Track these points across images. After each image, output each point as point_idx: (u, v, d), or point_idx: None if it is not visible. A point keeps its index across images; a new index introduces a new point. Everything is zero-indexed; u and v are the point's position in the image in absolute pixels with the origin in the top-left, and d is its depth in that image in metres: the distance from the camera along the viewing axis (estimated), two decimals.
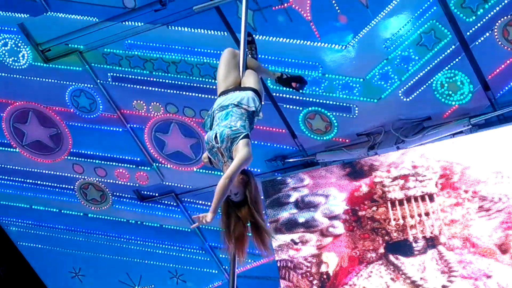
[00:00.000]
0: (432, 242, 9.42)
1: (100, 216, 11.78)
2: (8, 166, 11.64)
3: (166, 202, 11.37)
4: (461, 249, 9.25)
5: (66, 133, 10.98)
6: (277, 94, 9.71)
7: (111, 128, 10.74)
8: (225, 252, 5.56)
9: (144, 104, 10.40)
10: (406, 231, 9.58)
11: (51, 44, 10.12)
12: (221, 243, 5.56)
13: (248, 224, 5.45)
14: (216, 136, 5.39)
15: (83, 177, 11.42)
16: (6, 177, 11.80)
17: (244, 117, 5.48)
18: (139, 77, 10.12)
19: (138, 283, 12.14)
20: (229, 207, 5.45)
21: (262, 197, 9.79)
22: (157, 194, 11.35)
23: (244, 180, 5.40)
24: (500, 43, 8.62)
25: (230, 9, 9.14)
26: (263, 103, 5.79)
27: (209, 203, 11.25)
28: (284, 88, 9.53)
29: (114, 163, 11.12)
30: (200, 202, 11.18)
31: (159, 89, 10.15)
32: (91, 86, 10.42)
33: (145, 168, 11.03)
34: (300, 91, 6.44)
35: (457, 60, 8.88)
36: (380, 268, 9.74)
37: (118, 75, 10.21)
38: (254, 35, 6.69)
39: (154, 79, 10.08)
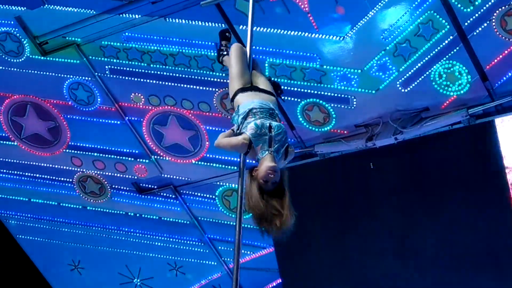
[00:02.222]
0: None
1: (99, 209, 11.79)
2: (7, 160, 11.64)
3: (164, 194, 11.37)
4: None
5: (64, 126, 10.97)
6: None
7: (109, 121, 10.74)
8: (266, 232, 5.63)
9: (142, 97, 10.39)
10: None
11: (49, 37, 10.10)
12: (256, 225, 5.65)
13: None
14: (270, 126, 5.64)
15: (81, 170, 11.42)
16: (4, 171, 11.80)
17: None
18: (137, 70, 10.11)
19: (137, 275, 12.15)
20: (264, 194, 5.58)
21: None
22: (155, 187, 11.36)
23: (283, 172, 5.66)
24: (498, 33, 8.61)
25: (228, 1, 9.12)
26: None
27: (207, 195, 11.41)
28: (283, 80, 9.60)
29: (112, 156, 11.12)
30: (199, 194, 11.20)
31: (157, 82, 10.15)
32: (89, 78, 10.41)
33: (144, 160, 11.03)
34: (282, 98, 6.69)
35: (455, 50, 8.87)
36: None
37: (115, 67, 10.21)
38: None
39: (152, 72, 10.07)
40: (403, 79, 9.23)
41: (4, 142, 11.40)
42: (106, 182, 11.47)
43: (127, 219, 11.74)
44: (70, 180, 11.59)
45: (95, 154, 11.17)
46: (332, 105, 9.70)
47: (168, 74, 10.03)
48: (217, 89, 9.91)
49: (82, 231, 12.07)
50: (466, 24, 8.66)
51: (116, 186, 11.49)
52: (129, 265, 12.14)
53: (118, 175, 11.30)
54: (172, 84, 10.09)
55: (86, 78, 10.42)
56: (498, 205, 9.14)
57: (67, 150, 11.22)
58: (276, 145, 5.64)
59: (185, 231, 11.54)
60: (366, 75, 9.31)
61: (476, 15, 8.58)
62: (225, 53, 6.76)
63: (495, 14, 8.54)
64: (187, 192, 11.25)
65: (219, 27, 9.21)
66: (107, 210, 11.77)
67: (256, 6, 8.97)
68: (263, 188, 5.54)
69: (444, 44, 8.87)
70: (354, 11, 8.94)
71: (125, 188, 11.48)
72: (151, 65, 10.02)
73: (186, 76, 9.97)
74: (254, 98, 5.90)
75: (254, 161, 5.80)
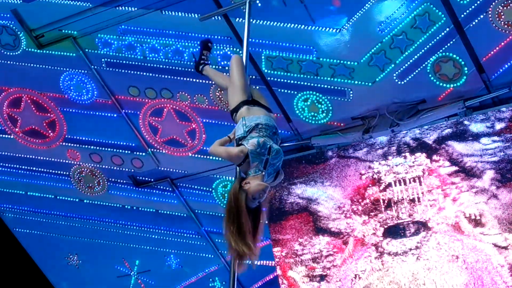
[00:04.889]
0: None
1: (96, 202, 11.78)
2: (3, 153, 11.62)
3: (161, 187, 11.37)
4: None
5: (61, 119, 10.96)
6: (272, 79, 9.70)
7: (106, 114, 10.73)
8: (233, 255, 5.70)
9: (138, 90, 10.38)
10: None
11: (45, 30, 10.07)
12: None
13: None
14: (270, 148, 5.76)
15: (78, 163, 11.41)
16: (1, 164, 11.78)
17: None
18: (133, 63, 10.10)
19: (134, 268, 12.16)
20: (249, 212, 5.69)
21: None
22: (152, 180, 11.36)
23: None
24: (494, 25, 8.61)
25: None
26: None
27: (204, 188, 11.40)
28: (279, 73, 9.60)
29: (109, 149, 11.11)
30: (196, 187, 11.20)
31: (153, 74, 10.13)
32: (85, 71, 10.39)
33: (140, 153, 11.03)
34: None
35: (451, 42, 8.88)
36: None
37: (112, 60, 10.19)
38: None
39: (148, 64, 10.06)
40: (399, 71, 9.23)
41: (0, 135, 11.38)
42: (102, 175, 11.47)
43: (124, 212, 11.75)
44: (67, 173, 11.59)
45: (92, 147, 11.16)
46: (328, 97, 9.71)
47: (164, 67, 10.02)
48: (213, 82, 9.89)
49: (78, 224, 12.08)
50: (462, 16, 8.67)
51: (113, 179, 11.49)
52: (126, 258, 12.15)
53: (115, 168, 11.30)
54: (169, 77, 10.08)
55: (83, 71, 10.40)
56: None
57: (64, 143, 11.22)
58: (270, 168, 5.77)
59: (182, 224, 11.55)
60: (362, 68, 9.31)
61: (473, 7, 8.59)
62: (207, 62, 6.89)
63: (491, 6, 8.54)
64: (184, 185, 11.25)
65: (215, 20, 9.20)
66: (104, 203, 11.77)
67: None
68: (246, 202, 5.64)
69: (440, 36, 8.87)
70: (350, 3, 8.94)
71: (121, 181, 11.47)
72: (147, 58, 10.00)
73: (183, 69, 9.96)
74: (259, 113, 6.00)
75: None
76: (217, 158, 10.54)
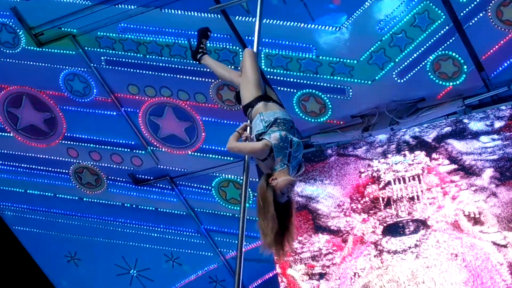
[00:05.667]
0: None
1: (95, 200, 11.77)
2: (3, 151, 11.62)
3: (161, 185, 11.37)
4: None
5: (60, 117, 10.96)
6: (271, 77, 9.70)
7: (105, 112, 10.72)
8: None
9: (138, 88, 10.38)
10: None
11: (44, 28, 10.07)
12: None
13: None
14: (291, 142, 5.72)
15: (77, 161, 11.41)
16: (0, 162, 11.77)
17: None
18: (132, 61, 10.10)
19: (133, 266, 12.16)
20: (279, 208, 5.67)
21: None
22: (152, 178, 11.35)
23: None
24: (493, 23, 8.62)
25: None
26: None
27: (204, 186, 11.38)
28: (279, 71, 9.61)
29: (108, 147, 11.11)
30: (195, 185, 11.20)
31: (153, 73, 10.13)
32: (85, 70, 10.39)
33: (140, 151, 11.03)
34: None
35: (451, 41, 8.88)
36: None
37: (111, 58, 10.19)
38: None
39: (148, 63, 10.06)
40: (399, 69, 9.24)
41: (0, 133, 11.38)
42: (102, 173, 11.47)
43: (123, 210, 11.74)
44: (66, 171, 11.59)
45: (91, 145, 11.16)
46: (328, 95, 9.71)
47: (164, 65, 10.02)
48: (213, 80, 9.91)
49: (78, 222, 12.07)
50: (462, 14, 8.67)
51: (112, 177, 11.48)
52: (126, 256, 12.14)
53: (114, 166, 11.29)
54: (168, 75, 10.09)
55: (82, 69, 10.40)
56: None
57: (63, 141, 11.21)
58: (293, 161, 5.73)
59: (182, 222, 11.55)
60: (362, 66, 9.32)
61: (472, 5, 8.59)
62: (205, 51, 6.77)
63: (491, 4, 8.55)
64: (184, 183, 11.25)
65: (215, 18, 9.21)
66: (103, 201, 11.76)
67: None
68: (276, 198, 5.61)
69: (440, 34, 8.87)
70: (350, 1, 8.95)
71: (121, 179, 11.47)
72: (147, 56, 10.01)
73: (182, 67, 9.96)
74: (275, 109, 5.95)
75: (265, 170, 5.81)
76: (217, 156, 10.57)
